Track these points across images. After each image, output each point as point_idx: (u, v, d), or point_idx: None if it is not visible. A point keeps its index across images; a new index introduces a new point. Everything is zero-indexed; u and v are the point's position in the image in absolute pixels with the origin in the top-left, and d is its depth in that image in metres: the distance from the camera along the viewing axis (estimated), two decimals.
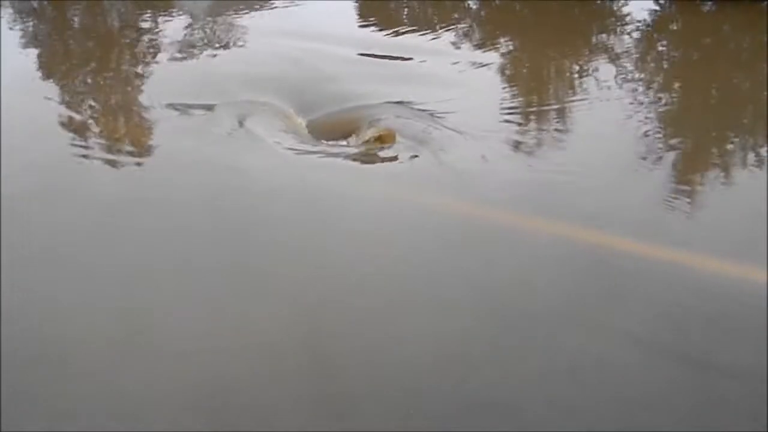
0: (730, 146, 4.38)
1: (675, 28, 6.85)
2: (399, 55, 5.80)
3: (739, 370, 2.53)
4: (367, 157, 4.05)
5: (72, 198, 3.61)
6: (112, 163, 4.05)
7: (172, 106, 4.70)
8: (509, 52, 6.14)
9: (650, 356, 2.62)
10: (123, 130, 4.47)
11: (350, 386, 2.51)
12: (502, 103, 4.87)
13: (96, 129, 4.48)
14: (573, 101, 4.99)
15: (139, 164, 4.08)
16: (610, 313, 2.82)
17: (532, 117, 4.72)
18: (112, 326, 2.75)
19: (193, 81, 5.25)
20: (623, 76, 5.38)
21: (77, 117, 4.63)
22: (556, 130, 4.48)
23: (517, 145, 4.22)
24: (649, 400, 2.42)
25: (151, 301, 2.89)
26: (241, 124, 4.45)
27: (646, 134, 4.39)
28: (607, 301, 2.89)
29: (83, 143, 4.27)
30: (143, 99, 4.96)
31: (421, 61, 5.71)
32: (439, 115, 4.55)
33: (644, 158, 4.08)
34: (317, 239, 3.30)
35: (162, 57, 5.81)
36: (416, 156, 4.02)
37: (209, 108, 4.66)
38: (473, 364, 2.61)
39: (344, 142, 4.33)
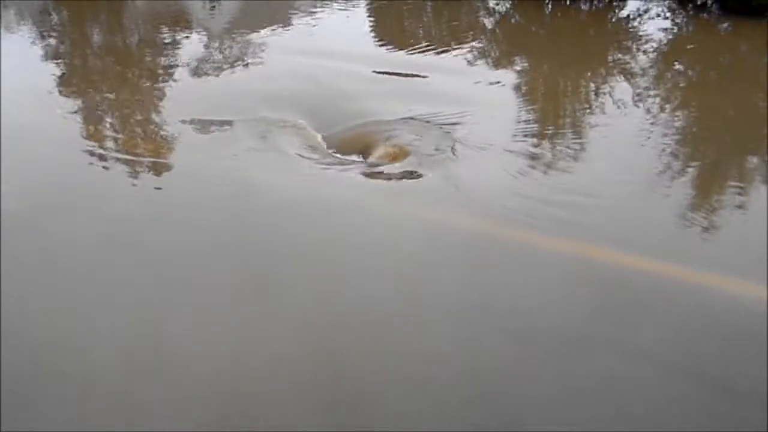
0: (748, 165, 4.38)
1: (691, 46, 6.88)
2: (414, 73, 5.87)
3: (758, 395, 2.52)
4: (381, 173, 4.11)
5: (90, 213, 3.68)
6: (132, 179, 4.12)
7: (190, 122, 4.80)
8: (525, 70, 6.19)
9: (667, 377, 2.62)
10: (142, 145, 4.56)
11: (363, 404, 2.52)
12: (517, 121, 4.93)
13: (115, 144, 4.57)
14: (589, 119, 5.04)
15: (157, 179, 4.15)
16: (625, 334, 2.83)
17: (548, 135, 4.76)
18: (128, 342, 2.78)
19: (211, 98, 5.35)
20: (639, 94, 5.42)
21: (96, 132, 4.73)
22: (572, 148, 4.52)
23: (532, 163, 4.26)
24: (663, 421, 2.43)
25: (167, 317, 2.92)
26: (259, 140, 4.54)
27: (662, 152, 4.41)
28: (623, 321, 2.90)
29: (102, 159, 4.34)
30: (162, 115, 5.06)
31: (436, 79, 5.77)
32: (454, 132, 4.61)
33: (661, 177, 4.10)
34: (333, 254, 3.34)
35: (181, 74, 5.92)
36: (430, 173, 4.08)
37: (228, 124, 4.76)
38: (487, 383, 2.62)
39: (360, 158, 4.39)
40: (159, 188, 4.09)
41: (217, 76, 5.96)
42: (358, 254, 3.37)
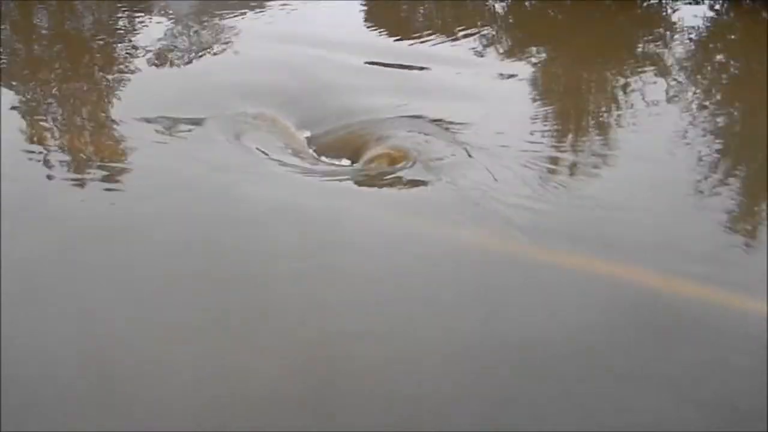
0: None
1: (733, 36, 6.97)
2: (413, 64, 5.92)
3: None
4: (375, 180, 4.15)
5: (32, 226, 3.65)
6: (80, 186, 4.11)
7: (152, 120, 4.81)
8: (542, 61, 6.24)
9: (697, 412, 2.66)
10: (94, 147, 4.58)
11: None
12: (532, 121, 4.96)
13: (62, 146, 4.58)
14: (616, 119, 5.10)
15: (112, 188, 4.14)
16: (661, 368, 2.86)
17: (568, 137, 4.82)
18: (83, 377, 2.79)
19: (176, 91, 5.36)
20: (674, 91, 5.50)
21: (40, 132, 4.74)
22: (596, 152, 4.58)
23: (550, 170, 4.30)
24: None
25: (126, 345, 2.93)
26: (233, 140, 4.57)
27: (701, 158, 4.47)
28: (657, 353, 2.94)
29: (47, 165, 4.31)
30: (118, 112, 5.07)
31: (438, 71, 5.83)
32: (459, 133, 4.66)
33: (699, 186, 4.15)
34: (318, 275, 3.34)
35: (141, 64, 5.93)
36: (432, 180, 4.11)
37: (196, 122, 4.78)
38: (500, 420, 2.64)
39: (350, 163, 4.44)
40: (113, 188, 4.11)
41: (184, 66, 6.00)
42: (348, 277, 3.37)
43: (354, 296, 3.25)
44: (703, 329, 3.06)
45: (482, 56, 6.27)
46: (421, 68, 5.88)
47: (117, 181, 4.19)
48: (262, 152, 4.43)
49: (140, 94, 5.34)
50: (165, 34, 6.62)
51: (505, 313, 3.15)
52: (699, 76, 5.93)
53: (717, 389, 2.78)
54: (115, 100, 5.35)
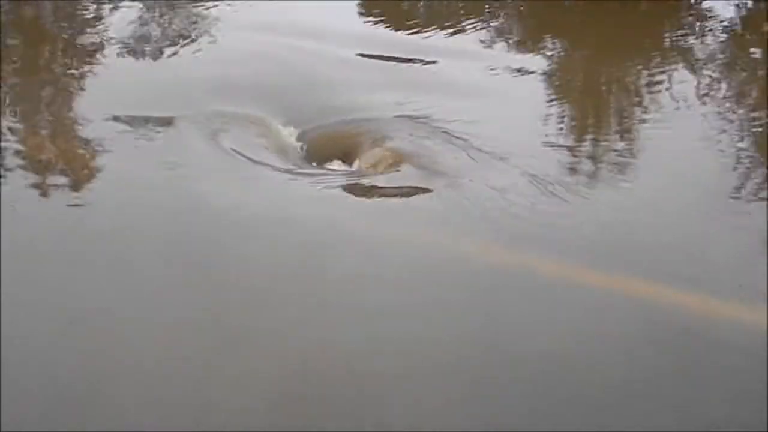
0: None
1: None
2: (413, 57, 5.92)
3: None
4: (370, 187, 4.12)
5: None
6: (40, 194, 4.09)
7: (120, 119, 4.78)
8: (557, 54, 6.24)
9: None
10: (56, 149, 4.55)
11: None
12: (547, 121, 4.97)
13: (19, 147, 4.54)
14: (640, 119, 5.08)
15: (75, 196, 4.11)
16: (687, 394, 2.86)
17: (588, 139, 4.81)
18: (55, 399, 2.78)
19: (148, 87, 5.33)
20: (706, 87, 5.49)
21: None
22: (618, 156, 4.56)
23: (567, 176, 4.29)
24: None
25: (94, 371, 2.91)
26: (210, 142, 4.54)
27: (735, 163, 4.46)
28: (683, 378, 2.93)
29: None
30: (83, 110, 5.03)
31: (441, 65, 5.81)
32: (464, 134, 4.64)
33: (735, 195, 4.14)
34: (308, 293, 3.33)
35: (109, 56, 5.91)
36: (434, 187, 4.09)
37: (170, 122, 4.77)
38: None
39: (342, 167, 4.43)
40: (77, 196, 4.07)
41: (156, 59, 5.98)
42: (339, 294, 3.34)
43: (344, 314, 3.23)
44: (729, 351, 3.04)
45: (491, 48, 6.28)
46: (423, 62, 5.89)
47: (79, 189, 4.17)
48: (243, 155, 4.42)
49: (107, 89, 5.31)
50: (135, 23, 6.61)
51: (512, 334, 3.15)
52: (733, 71, 5.94)
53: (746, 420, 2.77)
54: (78, 97, 5.32)
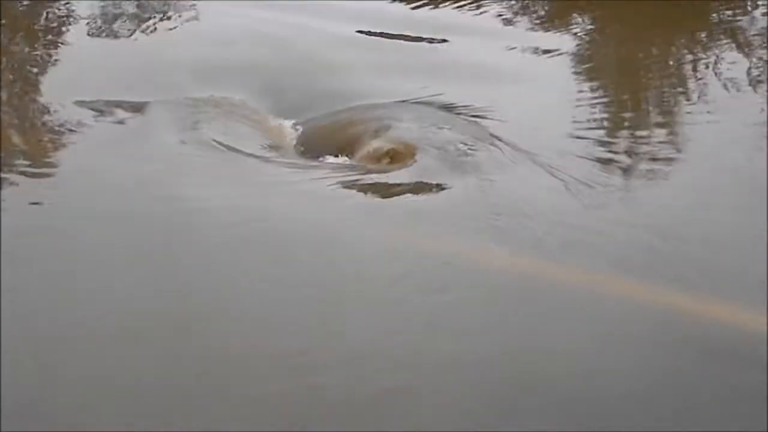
0: None
1: None
2: (423, 35, 5.96)
3: None
4: (374, 185, 4.14)
5: None
6: None
7: (90, 105, 4.82)
8: (588, 32, 6.28)
9: None
10: (16, 139, 4.57)
11: None
12: (576, 110, 4.98)
13: None
14: (683, 108, 5.10)
15: (38, 191, 4.11)
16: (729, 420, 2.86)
17: (622, 132, 4.83)
18: None
19: (121, 69, 5.38)
20: (758, 71, 5.51)
21: None
22: (657, 150, 4.57)
23: (598, 174, 4.28)
24: None
25: (54, 396, 2.91)
26: (192, 133, 4.58)
27: None
28: (729, 404, 2.93)
29: None
30: (49, 94, 5.08)
31: (455, 45, 5.86)
32: (481, 124, 4.68)
33: None
34: (303, 311, 3.29)
35: (76, 34, 5.96)
36: (446, 184, 4.10)
37: (145, 109, 4.81)
38: None
39: (341, 161, 4.46)
40: (39, 190, 4.08)
41: (130, 37, 6.03)
42: (339, 306, 3.31)
43: (347, 326, 3.22)
44: None
45: (512, 25, 6.34)
46: (433, 40, 5.92)
47: (44, 181, 4.20)
48: (227, 147, 4.44)
49: (73, 72, 5.36)
50: None
51: (533, 351, 3.13)
52: None
53: None
54: (41, 81, 5.37)
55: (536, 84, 5.33)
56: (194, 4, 6.61)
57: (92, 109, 4.82)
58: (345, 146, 4.53)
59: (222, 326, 3.23)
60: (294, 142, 4.66)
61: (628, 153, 4.57)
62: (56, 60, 5.69)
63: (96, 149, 4.50)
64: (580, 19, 6.49)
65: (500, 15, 6.47)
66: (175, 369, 3.04)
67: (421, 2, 6.67)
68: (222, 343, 3.14)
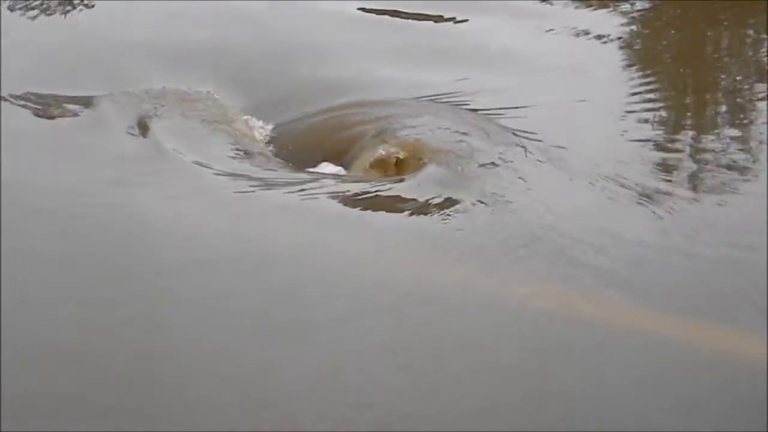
0: None
1: None
2: (435, 13, 5.99)
3: None
4: (374, 198, 4.13)
5: None
6: None
7: (19, 98, 4.85)
8: (639, 12, 6.28)
9: None
10: None
11: None
12: (624, 107, 4.98)
13: None
14: (759, 107, 5.07)
15: None
16: None
17: (681, 134, 4.81)
18: None
19: (63, 55, 5.40)
20: None
21: None
22: (729, 160, 4.55)
23: (655, 184, 4.29)
24: None
25: None
26: (145, 130, 4.58)
27: None
28: None
29: None
30: None
31: (476, 25, 5.88)
32: (507, 125, 4.68)
33: None
34: (280, 345, 3.34)
35: (8, 12, 5.99)
36: (462, 199, 4.08)
37: (89, 102, 4.81)
38: None
39: (334, 171, 4.46)
40: None
41: (72, 14, 6.05)
42: (327, 346, 3.34)
43: (337, 371, 3.24)
44: None
45: (547, 3, 6.37)
46: (449, 20, 5.90)
47: None
48: (189, 152, 4.46)
49: (5, 60, 5.28)
50: None
51: (567, 398, 3.16)
52: None
53: None
54: None
55: (574, 75, 5.35)
56: None
57: (26, 103, 4.86)
58: (338, 152, 4.56)
59: (185, 362, 3.30)
60: (271, 145, 4.71)
61: (692, 158, 4.60)
62: None
63: (28, 149, 4.52)
64: None
65: None
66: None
67: None
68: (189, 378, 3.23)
